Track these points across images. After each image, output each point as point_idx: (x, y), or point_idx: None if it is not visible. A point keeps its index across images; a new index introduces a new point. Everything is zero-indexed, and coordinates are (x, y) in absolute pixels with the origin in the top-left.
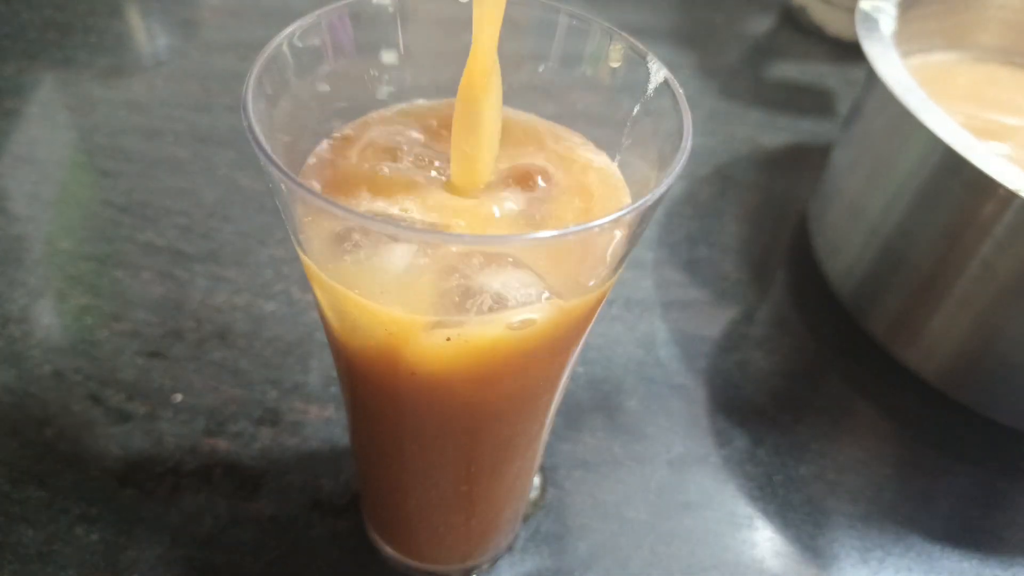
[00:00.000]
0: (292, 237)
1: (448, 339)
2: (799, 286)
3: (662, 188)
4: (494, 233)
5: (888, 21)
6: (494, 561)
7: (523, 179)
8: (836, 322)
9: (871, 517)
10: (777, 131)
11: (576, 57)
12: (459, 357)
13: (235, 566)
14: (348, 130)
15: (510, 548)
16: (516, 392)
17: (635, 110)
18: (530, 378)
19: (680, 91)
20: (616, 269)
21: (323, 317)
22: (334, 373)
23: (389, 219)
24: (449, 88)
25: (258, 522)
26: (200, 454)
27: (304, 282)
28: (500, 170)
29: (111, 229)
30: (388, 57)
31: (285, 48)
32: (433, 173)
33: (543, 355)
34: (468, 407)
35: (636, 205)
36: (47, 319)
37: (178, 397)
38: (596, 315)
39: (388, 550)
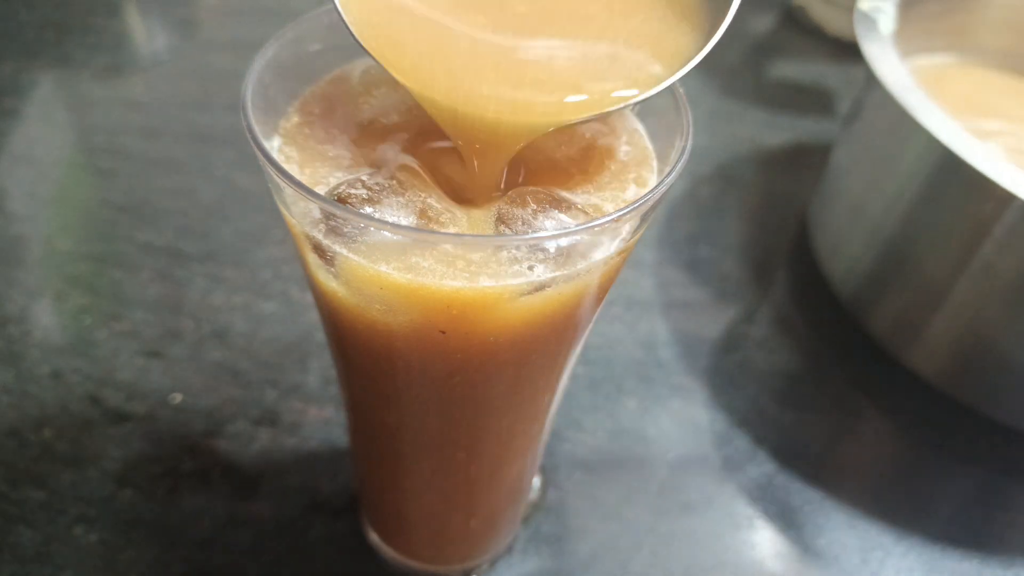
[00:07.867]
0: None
1: (443, 332)
2: (800, 286)
3: (662, 187)
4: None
5: (887, 21)
6: (494, 562)
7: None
8: (836, 322)
9: (872, 517)
10: (778, 131)
11: None
12: (456, 350)
13: (234, 567)
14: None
15: (510, 549)
16: (515, 390)
17: (635, 109)
18: (530, 374)
19: (680, 90)
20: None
21: (328, 311)
22: (333, 373)
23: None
24: None
25: (257, 523)
26: (199, 455)
27: (303, 282)
28: None
29: (109, 229)
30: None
31: (284, 47)
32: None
33: (541, 344)
34: (468, 405)
35: (635, 205)
36: (45, 319)
37: (177, 397)
38: (596, 313)
39: (387, 550)
